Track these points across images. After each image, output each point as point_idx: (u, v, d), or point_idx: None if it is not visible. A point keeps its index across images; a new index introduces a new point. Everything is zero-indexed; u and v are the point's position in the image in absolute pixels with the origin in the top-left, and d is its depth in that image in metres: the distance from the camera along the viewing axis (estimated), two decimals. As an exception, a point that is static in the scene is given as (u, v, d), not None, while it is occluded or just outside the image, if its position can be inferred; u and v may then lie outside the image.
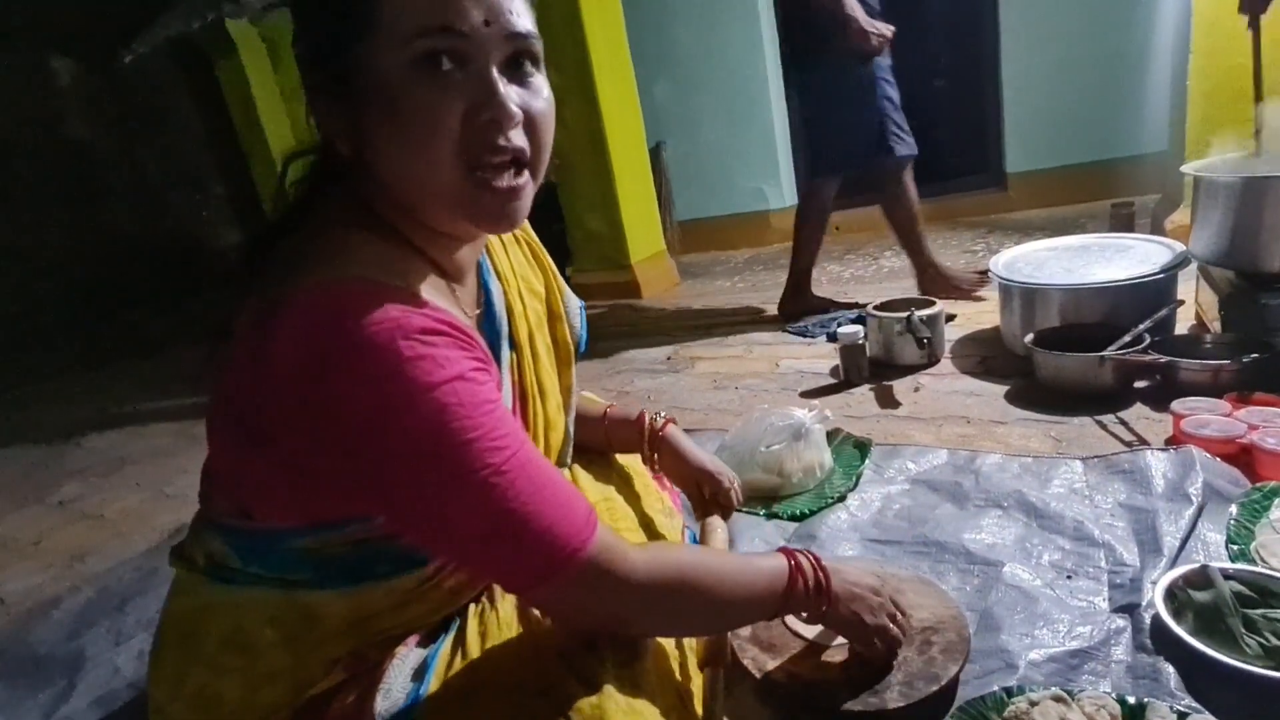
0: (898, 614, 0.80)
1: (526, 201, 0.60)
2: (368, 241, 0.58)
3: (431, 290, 0.60)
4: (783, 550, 0.73)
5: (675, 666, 0.71)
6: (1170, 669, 0.76)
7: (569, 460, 0.88)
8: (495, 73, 0.54)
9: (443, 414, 0.52)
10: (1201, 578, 0.83)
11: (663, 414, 1.04)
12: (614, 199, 3.30)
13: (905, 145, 2.32)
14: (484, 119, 0.54)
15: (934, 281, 2.41)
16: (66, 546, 1.72)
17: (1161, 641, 0.80)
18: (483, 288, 0.75)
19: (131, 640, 1.23)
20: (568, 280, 0.90)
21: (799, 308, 2.52)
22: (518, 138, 0.56)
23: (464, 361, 0.55)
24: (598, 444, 1.02)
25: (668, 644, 0.72)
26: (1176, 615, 0.80)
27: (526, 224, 0.86)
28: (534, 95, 0.57)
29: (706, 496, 1.04)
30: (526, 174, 0.58)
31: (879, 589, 0.79)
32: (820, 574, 0.72)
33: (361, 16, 0.53)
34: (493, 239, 0.79)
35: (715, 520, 1.02)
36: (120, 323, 4.23)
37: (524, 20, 0.55)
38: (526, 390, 0.77)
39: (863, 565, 0.87)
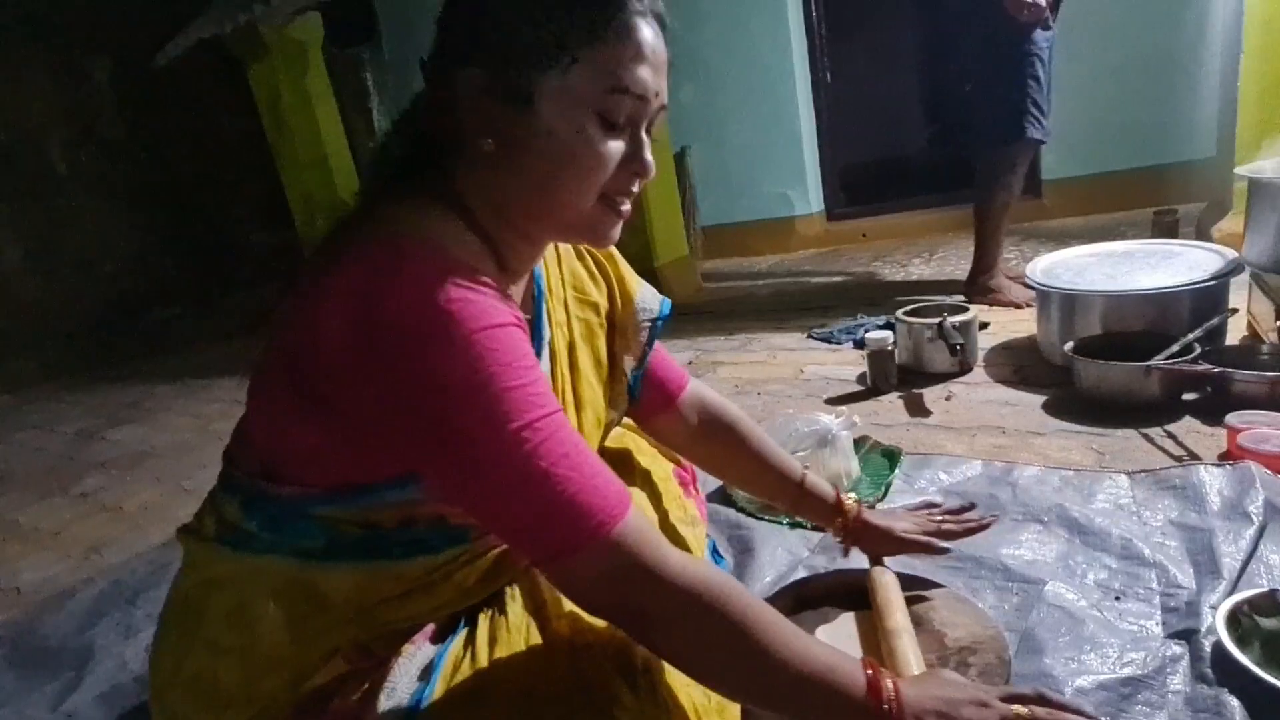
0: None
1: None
2: (445, 217, 0.61)
3: (490, 271, 0.61)
4: (865, 661, 0.59)
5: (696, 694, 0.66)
6: (1235, 702, 0.70)
7: None
8: (645, 134, 0.62)
9: (483, 358, 0.52)
10: (1269, 603, 0.77)
11: (852, 495, 0.96)
12: (639, 201, 3.26)
13: (1038, 129, 2.20)
14: (631, 169, 0.62)
15: (984, 288, 2.33)
16: (84, 538, 1.73)
17: (1224, 672, 0.73)
18: (534, 292, 0.74)
19: (140, 634, 1.22)
20: None
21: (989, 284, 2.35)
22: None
23: (508, 315, 0.55)
24: (769, 489, 0.95)
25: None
26: (1241, 643, 0.74)
27: None
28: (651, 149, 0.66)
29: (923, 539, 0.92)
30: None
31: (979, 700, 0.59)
32: (895, 702, 0.57)
33: (574, 54, 0.57)
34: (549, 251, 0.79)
35: (887, 576, 0.89)
36: (148, 320, 4.31)
37: (666, 95, 0.63)
38: (563, 400, 0.75)
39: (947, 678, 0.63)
